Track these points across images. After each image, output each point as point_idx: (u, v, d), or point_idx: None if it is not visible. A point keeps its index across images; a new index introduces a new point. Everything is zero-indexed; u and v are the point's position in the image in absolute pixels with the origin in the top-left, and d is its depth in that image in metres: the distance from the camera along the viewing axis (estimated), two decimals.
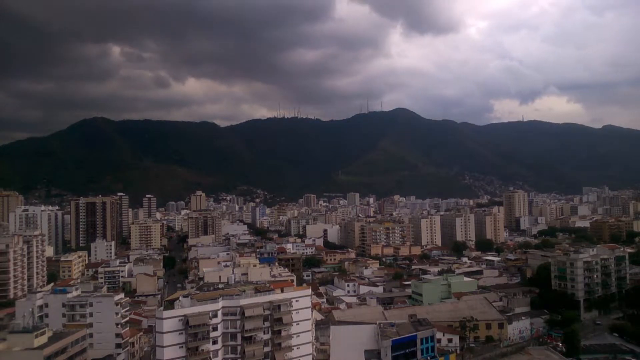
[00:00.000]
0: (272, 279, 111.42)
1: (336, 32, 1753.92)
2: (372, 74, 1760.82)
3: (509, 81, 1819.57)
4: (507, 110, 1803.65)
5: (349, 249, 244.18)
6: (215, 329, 71.50)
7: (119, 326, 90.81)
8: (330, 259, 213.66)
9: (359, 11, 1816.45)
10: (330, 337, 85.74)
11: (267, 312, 76.03)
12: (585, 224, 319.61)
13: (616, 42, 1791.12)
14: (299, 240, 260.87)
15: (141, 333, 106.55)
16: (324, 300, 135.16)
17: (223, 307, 73.28)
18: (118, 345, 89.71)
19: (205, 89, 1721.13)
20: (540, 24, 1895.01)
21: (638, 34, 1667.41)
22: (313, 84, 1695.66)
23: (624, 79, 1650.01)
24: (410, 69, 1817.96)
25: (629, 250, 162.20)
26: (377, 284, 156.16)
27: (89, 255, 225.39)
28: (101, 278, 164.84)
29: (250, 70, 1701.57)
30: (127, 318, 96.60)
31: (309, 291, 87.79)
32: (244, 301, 74.61)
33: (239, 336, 73.38)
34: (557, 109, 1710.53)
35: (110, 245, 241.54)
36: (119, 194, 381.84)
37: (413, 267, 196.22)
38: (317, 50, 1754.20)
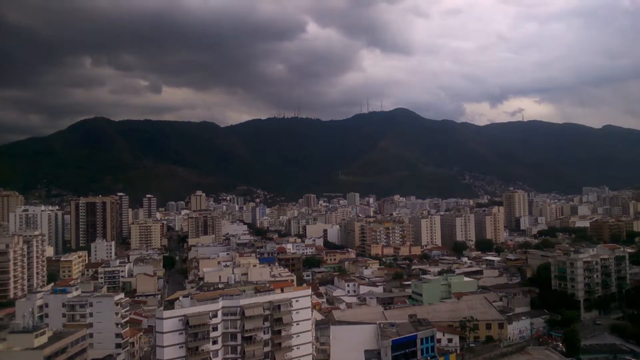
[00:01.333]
0: (272, 279, 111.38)
1: (308, 48, 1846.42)
2: (347, 83, 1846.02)
3: (476, 86, 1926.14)
4: (479, 113, 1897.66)
5: (349, 249, 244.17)
6: (215, 329, 71.50)
7: (119, 326, 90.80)
8: (330, 259, 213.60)
9: (328, 33, 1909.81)
10: (330, 337, 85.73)
11: (267, 312, 76.04)
12: (585, 224, 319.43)
13: (570, 48, 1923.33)
14: (299, 240, 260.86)
15: (141, 333, 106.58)
16: (324, 300, 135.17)
17: (223, 307, 73.28)
18: (118, 345, 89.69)
19: (182, 96, 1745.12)
20: (501, 34, 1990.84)
21: (590, 43, 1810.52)
22: (289, 91, 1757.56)
23: (583, 82, 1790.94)
24: (382, 80, 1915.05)
25: (629, 250, 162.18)
26: (377, 284, 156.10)
27: (89, 255, 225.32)
28: (101, 278, 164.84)
29: (226, 79, 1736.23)
30: (127, 318, 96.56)
31: (309, 291, 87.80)
32: (244, 301, 74.61)
33: (239, 336, 73.39)
34: (527, 109, 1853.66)
35: (110, 245, 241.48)
36: (119, 194, 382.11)
37: (413, 267, 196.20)
38: (288, 64, 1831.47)
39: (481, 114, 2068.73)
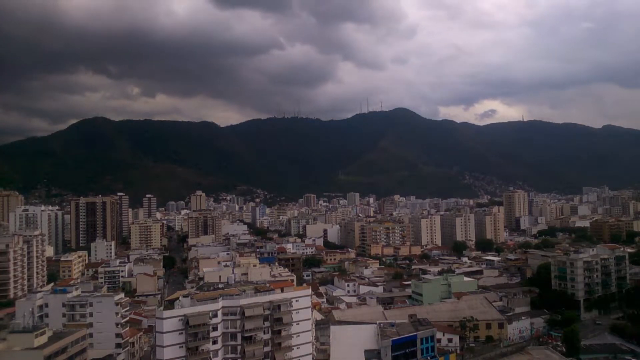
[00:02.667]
0: (272, 279, 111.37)
1: (286, 62, 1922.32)
2: (327, 93, 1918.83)
3: (446, 91, 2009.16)
4: (453, 115, 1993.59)
5: (349, 249, 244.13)
6: (215, 328, 71.47)
7: (119, 326, 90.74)
8: (330, 259, 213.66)
9: (304, 49, 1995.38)
10: (330, 337, 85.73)
11: (267, 312, 76.00)
12: (585, 223, 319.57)
13: (531, 53, 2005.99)
14: (299, 240, 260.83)
15: (141, 333, 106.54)
16: (324, 300, 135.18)
17: (223, 307, 73.24)
18: (118, 345, 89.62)
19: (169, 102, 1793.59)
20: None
21: (542, 49, 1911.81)
22: (270, 98, 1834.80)
23: (546, 85, 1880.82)
24: (358, 89, 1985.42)
25: (629, 250, 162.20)
26: (377, 284, 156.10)
27: (89, 255, 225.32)
28: (101, 278, 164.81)
29: (210, 86, 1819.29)
30: (127, 318, 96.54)
31: (309, 291, 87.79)
32: (244, 301, 74.58)
33: (239, 336, 73.35)
34: (498, 110, 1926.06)
35: (110, 245, 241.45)
36: (119, 193, 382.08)
37: (413, 267, 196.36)
38: (267, 75, 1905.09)
39: (455, 115, 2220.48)
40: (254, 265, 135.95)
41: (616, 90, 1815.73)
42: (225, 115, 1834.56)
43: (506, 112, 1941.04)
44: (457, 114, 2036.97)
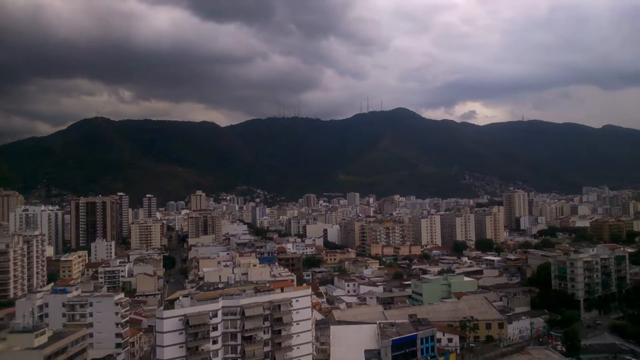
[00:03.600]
0: (272, 279, 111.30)
1: (271, 71, 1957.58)
2: (313, 98, 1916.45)
3: (427, 94, 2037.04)
4: (434, 116, 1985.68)
5: (349, 249, 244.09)
6: (215, 328, 71.48)
7: (119, 326, 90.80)
8: (330, 259, 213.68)
9: (288, 60, 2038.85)
10: (330, 337, 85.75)
11: (267, 312, 76.00)
12: (585, 223, 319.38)
13: (503, 58, 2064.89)
14: (299, 240, 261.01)
15: (141, 333, 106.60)
16: (324, 300, 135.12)
17: (223, 307, 73.24)
18: (118, 345, 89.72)
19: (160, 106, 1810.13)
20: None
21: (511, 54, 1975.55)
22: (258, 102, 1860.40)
23: (524, 86, 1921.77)
24: (341, 96, 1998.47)
25: (629, 250, 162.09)
26: (377, 283, 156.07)
27: (89, 255, 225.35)
28: (101, 278, 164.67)
29: (198, 92, 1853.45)
30: (127, 318, 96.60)
31: (309, 291, 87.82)
32: (244, 301, 74.58)
33: (239, 336, 73.36)
34: (479, 111, 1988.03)
35: (110, 245, 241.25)
36: (119, 193, 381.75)
37: (413, 267, 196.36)
38: (252, 84, 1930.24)
39: (436, 117, 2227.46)
40: (254, 265, 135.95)
41: (596, 91, 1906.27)
42: (217, 119, 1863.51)
43: (487, 113, 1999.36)
44: (438, 115, 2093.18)
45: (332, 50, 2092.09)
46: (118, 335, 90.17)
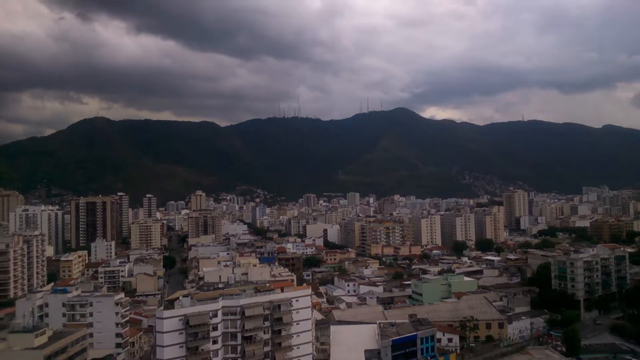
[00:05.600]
0: (272, 279, 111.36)
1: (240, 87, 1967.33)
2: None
3: (392, 102, 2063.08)
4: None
5: (349, 249, 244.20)
6: (215, 328, 71.51)
7: (119, 326, 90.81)
8: (330, 259, 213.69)
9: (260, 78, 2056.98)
10: (330, 337, 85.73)
11: (267, 312, 76.03)
12: (585, 223, 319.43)
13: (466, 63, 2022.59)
14: (299, 240, 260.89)
15: (141, 333, 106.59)
16: (324, 300, 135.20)
17: (223, 307, 73.26)
18: (118, 345, 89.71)
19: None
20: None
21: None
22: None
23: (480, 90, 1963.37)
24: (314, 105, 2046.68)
25: (629, 249, 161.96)
26: (377, 283, 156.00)
27: (89, 255, 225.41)
28: (101, 278, 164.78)
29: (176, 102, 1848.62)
30: (127, 318, 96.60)
31: (309, 291, 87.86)
32: (244, 301, 74.61)
33: (239, 336, 73.38)
34: (437, 115, 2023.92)
35: (110, 245, 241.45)
36: (119, 193, 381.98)
37: (413, 266, 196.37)
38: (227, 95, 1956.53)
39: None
40: (254, 265, 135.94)
41: (555, 94, 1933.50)
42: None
43: (447, 116, 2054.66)
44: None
45: (298, 71, 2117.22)
46: (118, 335, 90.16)
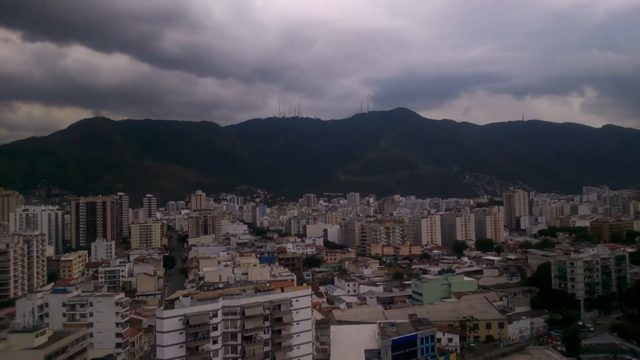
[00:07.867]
0: (272, 279, 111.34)
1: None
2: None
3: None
4: None
5: (349, 249, 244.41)
6: (215, 328, 71.52)
7: (119, 326, 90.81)
8: (331, 259, 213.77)
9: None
10: (330, 337, 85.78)
11: (267, 312, 76.06)
12: (586, 223, 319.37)
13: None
14: (299, 240, 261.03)
15: (141, 333, 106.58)
16: (324, 299, 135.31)
17: (223, 307, 73.27)
18: (118, 345, 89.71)
19: None
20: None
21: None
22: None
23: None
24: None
25: (629, 249, 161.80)
26: (377, 283, 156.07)
27: (89, 255, 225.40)
28: (101, 278, 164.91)
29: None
30: (127, 318, 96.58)
31: (309, 291, 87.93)
32: (244, 301, 74.60)
33: (239, 336, 73.39)
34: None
35: (111, 245, 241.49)
36: (119, 193, 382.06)
37: (413, 266, 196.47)
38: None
39: None
40: (254, 265, 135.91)
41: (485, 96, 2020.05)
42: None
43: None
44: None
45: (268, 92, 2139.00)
46: (118, 335, 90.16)
